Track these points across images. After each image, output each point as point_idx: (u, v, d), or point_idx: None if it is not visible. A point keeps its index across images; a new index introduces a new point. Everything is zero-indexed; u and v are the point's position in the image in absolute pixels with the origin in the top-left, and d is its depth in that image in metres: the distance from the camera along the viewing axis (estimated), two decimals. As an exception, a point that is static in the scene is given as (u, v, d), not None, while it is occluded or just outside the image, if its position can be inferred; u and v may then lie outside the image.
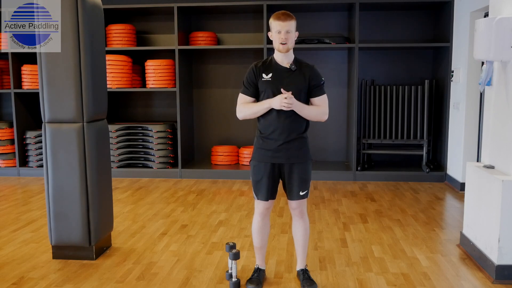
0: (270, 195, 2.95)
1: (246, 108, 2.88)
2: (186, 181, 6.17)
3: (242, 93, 2.91)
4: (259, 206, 2.99)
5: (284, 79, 2.83)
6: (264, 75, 2.84)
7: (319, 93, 2.87)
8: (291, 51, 2.86)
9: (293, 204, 2.97)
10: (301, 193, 2.93)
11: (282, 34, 2.77)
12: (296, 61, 2.89)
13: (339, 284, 3.10)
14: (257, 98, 2.90)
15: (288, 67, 2.84)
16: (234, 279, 3.02)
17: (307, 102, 2.89)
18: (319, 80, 2.87)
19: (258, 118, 2.91)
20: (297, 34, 2.86)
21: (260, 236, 3.06)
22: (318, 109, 2.88)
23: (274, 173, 2.92)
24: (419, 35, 6.45)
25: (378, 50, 6.48)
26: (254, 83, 2.87)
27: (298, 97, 2.81)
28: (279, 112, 2.81)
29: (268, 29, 2.98)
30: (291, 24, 2.78)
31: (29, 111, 6.69)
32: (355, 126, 6.14)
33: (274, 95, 2.81)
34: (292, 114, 2.82)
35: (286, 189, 2.97)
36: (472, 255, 3.50)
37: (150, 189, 5.76)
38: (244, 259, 3.51)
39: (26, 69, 6.40)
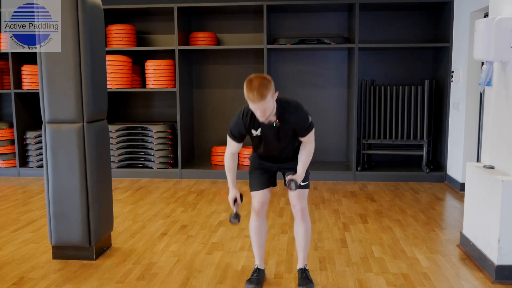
0: (260, 185, 2.99)
1: (226, 166, 2.98)
2: (186, 182, 6.17)
3: (229, 137, 2.93)
4: (253, 201, 3.01)
5: (272, 134, 2.84)
6: (253, 131, 2.85)
7: (305, 133, 2.86)
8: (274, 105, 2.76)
9: (293, 195, 2.96)
10: (302, 184, 2.94)
11: (258, 112, 2.68)
12: (279, 109, 2.77)
13: (339, 284, 3.10)
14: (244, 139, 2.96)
15: (274, 125, 2.81)
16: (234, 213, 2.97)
17: (297, 138, 2.91)
18: (305, 126, 2.83)
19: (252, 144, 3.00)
20: (276, 94, 2.72)
21: (257, 236, 3.06)
22: (309, 153, 2.90)
23: (269, 169, 3.01)
24: (419, 35, 6.44)
25: (378, 50, 6.48)
26: (242, 134, 2.90)
27: (289, 142, 2.89)
28: (269, 147, 2.90)
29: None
30: (265, 102, 2.62)
31: (29, 111, 6.69)
32: (355, 126, 6.14)
33: (266, 143, 2.88)
34: (282, 146, 2.90)
35: (286, 180, 2.99)
36: (472, 255, 3.50)
37: (150, 189, 5.76)
38: (244, 259, 3.51)
39: (26, 69, 6.40)
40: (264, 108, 2.65)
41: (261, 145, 2.93)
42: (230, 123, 2.90)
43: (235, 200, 2.95)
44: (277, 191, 5.36)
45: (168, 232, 4.15)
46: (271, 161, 3.01)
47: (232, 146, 2.95)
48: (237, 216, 2.91)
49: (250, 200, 3.09)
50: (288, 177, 2.86)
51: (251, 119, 2.82)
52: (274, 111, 2.75)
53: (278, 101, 2.78)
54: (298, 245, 3.08)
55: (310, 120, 2.84)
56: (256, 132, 2.85)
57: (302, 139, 2.88)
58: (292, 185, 2.83)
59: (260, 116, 2.69)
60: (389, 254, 3.60)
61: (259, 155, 3.03)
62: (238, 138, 2.91)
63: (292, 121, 2.79)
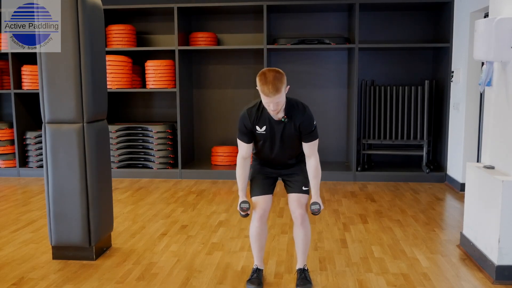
0: (263, 191, 2.97)
1: (237, 174, 2.95)
2: (186, 182, 6.16)
3: (239, 139, 2.92)
4: (256, 206, 2.99)
5: (277, 131, 2.84)
6: (258, 128, 2.84)
7: (309, 139, 2.87)
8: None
9: (293, 200, 2.95)
10: (304, 188, 2.95)
11: (271, 105, 2.68)
12: (288, 106, 2.79)
13: (339, 284, 3.10)
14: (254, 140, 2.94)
15: (281, 120, 2.81)
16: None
17: (301, 144, 2.92)
18: (310, 127, 2.84)
19: (254, 148, 2.99)
20: (287, 88, 2.72)
21: (258, 240, 3.03)
22: (316, 170, 2.93)
23: (270, 175, 3.02)
24: (419, 35, 6.44)
25: (378, 50, 6.48)
26: (250, 132, 2.87)
27: (292, 145, 2.90)
28: (271, 149, 2.90)
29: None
30: (279, 96, 2.64)
31: (29, 112, 6.69)
32: (355, 126, 6.14)
33: (270, 143, 2.88)
34: (284, 151, 2.91)
35: (288, 185, 3.00)
36: (472, 256, 3.50)
37: (150, 190, 5.76)
38: (244, 259, 3.51)
39: (26, 69, 6.40)
40: (278, 102, 2.66)
41: (264, 147, 2.91)
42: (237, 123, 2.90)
43: (243, 209, 2.94)
44: (277, 191, 5.33)
45: (168, 232, 4.14)
46: (272, 167, 3.02)
47: (242, 148, 2.92)
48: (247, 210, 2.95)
49: (250, 200, 3.08)
50: (311, 207, 2.92)
51: (257, 113, 2.82)
52: (284, 106, 2.77)
53: (287, 99, 2.79)
54: (297, 248, 3.08)
55: (315, 124, 2.85)
56: (260, 130, 2.84)
57: (305, 145, 2.88)
58: (315, 208, 2.92)
59: (273, 110, 2.69)
60: (389, 254, 3.60)
61: (261, 160, 3.02)
62: (246, 137, 2.88)
63: (298, 120, 2.80)
